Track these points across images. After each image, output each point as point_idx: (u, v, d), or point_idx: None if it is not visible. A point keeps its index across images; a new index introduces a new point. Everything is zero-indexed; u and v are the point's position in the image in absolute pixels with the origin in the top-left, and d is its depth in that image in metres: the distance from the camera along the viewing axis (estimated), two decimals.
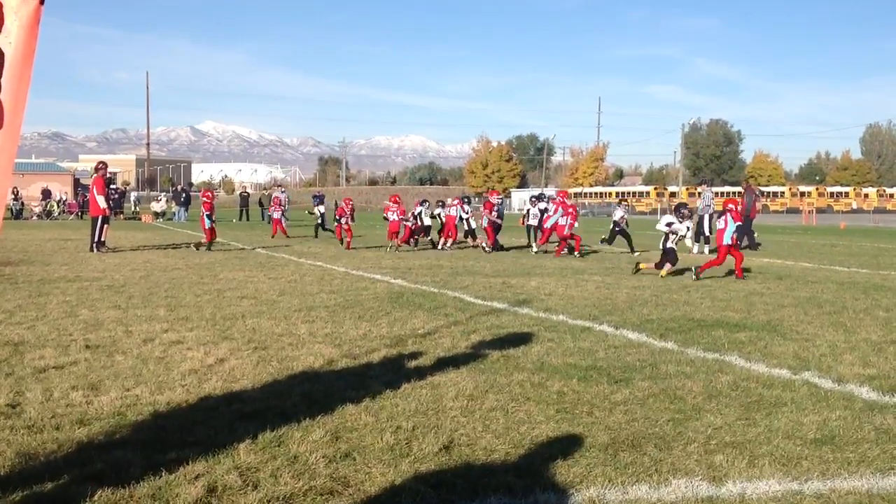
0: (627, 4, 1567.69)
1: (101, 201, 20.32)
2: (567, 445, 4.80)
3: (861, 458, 4.69)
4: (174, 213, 46.67)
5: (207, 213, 21.78)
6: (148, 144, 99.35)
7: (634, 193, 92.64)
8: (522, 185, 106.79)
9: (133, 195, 54.62)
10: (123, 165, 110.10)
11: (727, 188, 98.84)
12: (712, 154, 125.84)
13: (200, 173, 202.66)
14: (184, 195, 47.86)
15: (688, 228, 17.40)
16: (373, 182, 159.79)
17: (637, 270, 15.66)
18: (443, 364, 6.99)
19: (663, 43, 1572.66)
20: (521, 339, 8.24)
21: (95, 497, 3.89)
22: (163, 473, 4.17)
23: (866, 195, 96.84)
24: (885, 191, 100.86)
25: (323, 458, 4.50)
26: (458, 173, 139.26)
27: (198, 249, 20.90)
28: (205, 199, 22.61)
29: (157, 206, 49.52)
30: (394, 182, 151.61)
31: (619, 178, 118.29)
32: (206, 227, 21.49)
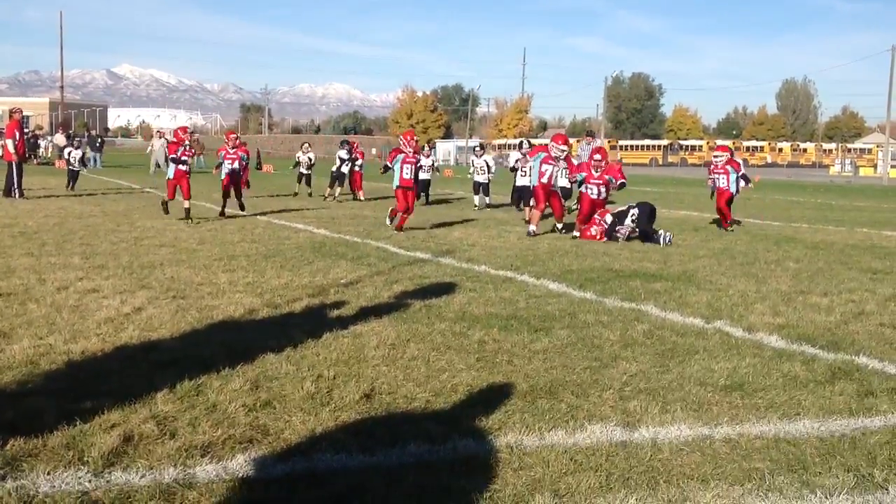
0: None
1: (10, 145, 19.61)
2: (486, 393, 4.87)
3: (769, 403, 4.86)
4: (89, 159, 45.30)
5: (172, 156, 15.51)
6: (62, 87, 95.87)
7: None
8: (447, 136, 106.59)
9: (47, 141, 52.63)
10: (36, 109, 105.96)
11: (647, 141, 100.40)
12: (634, 107, 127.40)
13: (117, 118, 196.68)
14: (98, 140, 46.52)
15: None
16: (296, 130, 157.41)
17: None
18: (365, 313, 6.99)
19: None
20: (443, 289, 8.28)
21: (7, 447, 3.80)
22: (77, 423, 4.10)
23: (780, 150, 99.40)
24: (798, 146, 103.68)
25: (242, 406, 4.48)
26: (383, 123, 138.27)
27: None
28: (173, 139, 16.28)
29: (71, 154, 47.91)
30: (318, 131, 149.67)
31: (542, 129, 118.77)
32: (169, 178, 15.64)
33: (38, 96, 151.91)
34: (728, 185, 15.84)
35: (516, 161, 18.73)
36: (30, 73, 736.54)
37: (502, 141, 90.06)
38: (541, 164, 14.42)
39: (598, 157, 14.25)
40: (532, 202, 15.54)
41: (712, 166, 16.40)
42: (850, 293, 8.69)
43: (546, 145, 14.85)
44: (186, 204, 14.95)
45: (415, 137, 15.02)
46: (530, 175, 14.99)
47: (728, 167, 16.00)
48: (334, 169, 23.55)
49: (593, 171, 14.01)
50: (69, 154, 23.90)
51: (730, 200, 15.93)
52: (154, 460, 3.75)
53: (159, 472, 3.61)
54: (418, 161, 14.90)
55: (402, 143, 14.68)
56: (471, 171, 21.58)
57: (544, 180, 14.38)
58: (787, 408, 4.78)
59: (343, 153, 23.66)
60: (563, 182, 20.29)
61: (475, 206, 21.04)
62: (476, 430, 4.23)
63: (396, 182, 14.31)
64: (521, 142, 21.25)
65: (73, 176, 23.46)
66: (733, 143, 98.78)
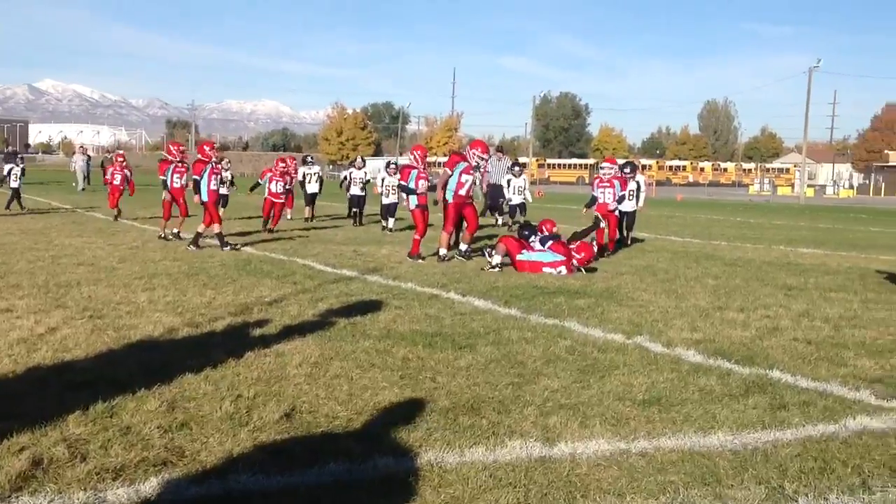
0: None
1: None
2: (409, 411, 4.86)
3: (685, 417, 4.95)
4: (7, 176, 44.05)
5: (196, 177, 14.16)
6: None
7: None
8: (377, 153, 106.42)
9: None
10: None
11: (574, 160, 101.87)
12: (561, 126, 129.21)
13: (38, 134, 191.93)
14: (18, 157, 45.29)
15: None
16: (224, 147, 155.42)
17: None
18: (288, 332, 6.92)
19: (514, 15, 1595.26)
20: (368, 307, 8.25)
21: None
22: None
23: (702, 169, 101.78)
24: (719, 165, 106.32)
25: (157, 428, 4.39)
26: (313, 140, 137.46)
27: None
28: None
29: None
30: (246, 147, 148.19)
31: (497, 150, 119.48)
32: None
33: None
34: (612, 200, 14.37)
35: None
36: None
37: (432, 158, 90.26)
38: (460, 175, 12.89)
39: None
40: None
41: (598, 179, 14.82)
42: (766, 309, 8.92)
43: (464, 154, 13.26)
44: (202, 228, 13.76)
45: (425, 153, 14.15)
46: (445, 189, 12.92)
47: (615, 181, 14.54)
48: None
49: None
50: (9, 171, 22.52)
51: (620, 223, 14.99)
52: (63, 484, 3.65)
53: (68, 497, 3.52)
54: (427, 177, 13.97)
55: (412, 159, 13.74)
56: (380, 190, 19.40)
57: (462, 192, 12.85)
58: (703, 421, 4.87)
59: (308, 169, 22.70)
60: (517, 199, 19.84)
61: (387, 229, 18.80)
62: (397, 448, 4.22)
63: (415, 202, 13.37)
64: (388, 162, 20.22)
65: (14, 194, 22.12)
66: (657, 163, 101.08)
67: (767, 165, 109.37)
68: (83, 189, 34.37)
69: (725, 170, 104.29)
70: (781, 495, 3.84)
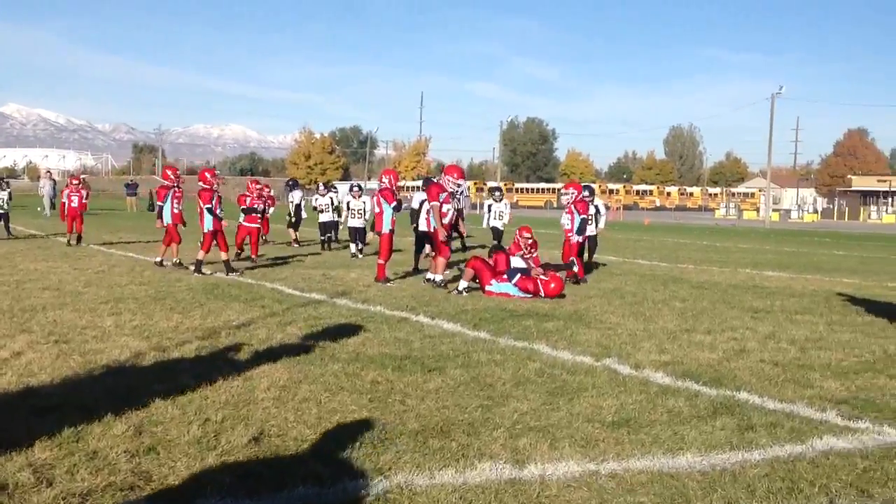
0: (446, 2, 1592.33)
1: None
2: (378, 434, 4.85)
3: (654, 439, 4.98)
4: None
5: (207, 206, 13.86)
6: None
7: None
8: (345, 177, 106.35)
9: None
10: None
11: (542, 184, 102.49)
12: (529, 151, 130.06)
13: (2, 158, 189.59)
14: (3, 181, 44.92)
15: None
16: (191, 171, 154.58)
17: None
18: (257, 356, 6.89)
19: (482, 41, 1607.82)
20: (338, 330, 8.23)
21: None
22: None
23: (669, 193, 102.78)
24: (685, 190, 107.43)
25: (125, 452, 4.34)
26: (281, 164, 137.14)
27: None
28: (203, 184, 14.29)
29: None
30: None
31: (440, 172, 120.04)
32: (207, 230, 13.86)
33: None
34: (572, 228, 13.95)
35: (421, 203, 15.35)
36: None
37: (401, 183, 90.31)
38: (441, 206, 12.70)
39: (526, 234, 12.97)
40: (429, 249, 14.35)
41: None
42: (733, 331, 9.01)
43: (440, 183, 12.97)
44: (224, 256, 13.68)
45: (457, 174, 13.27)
46: (434, 220, 12.68)
47: (573, 207, 14.04)
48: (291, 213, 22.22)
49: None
50: None
51: (581, 249, 14.35)
52: None
53: None
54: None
55: (446, 180, 12.97)
56: (342, 215, 19.27)
57: (446, 221, 12.70)
58: (671, 443, 4.90)
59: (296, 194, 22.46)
60: (497, 223, 18.93)
61: (352, 254, 18.38)
62: (366, 471, 4.20)
63: (388, 227, 13.05)
64: (352, 185, 19.66)
65: (2, 219, 21.90)
66: (624, 187, 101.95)
67: (733, 190, 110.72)
68: (48, 214, 33.98)
69: (692, 194, 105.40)
70: None
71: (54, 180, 41.89)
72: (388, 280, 12.67)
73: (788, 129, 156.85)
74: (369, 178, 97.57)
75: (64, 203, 19.55)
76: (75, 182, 20.24)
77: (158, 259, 14.51)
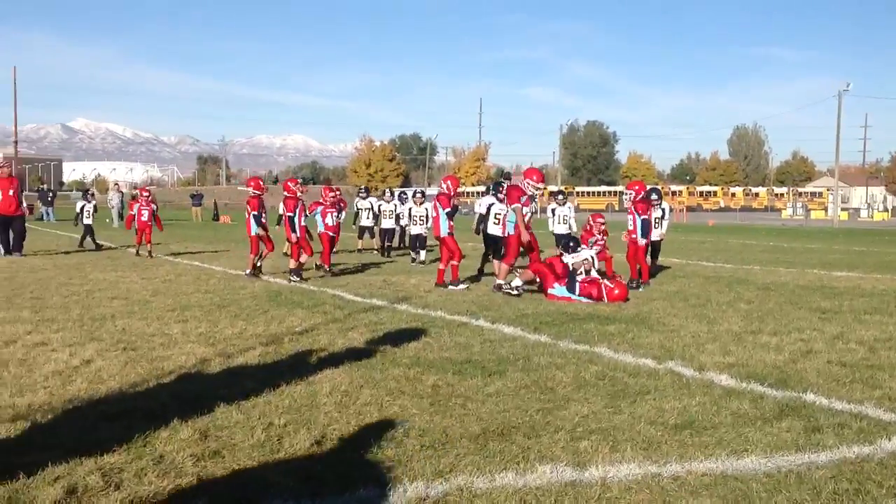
0: (500, 8, 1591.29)
1: None
2: (438, 437, 4.86)
3: (718, 441, 4.91)
4: (41, 214, 44.91)
5: (290, 213, 14.14)
6: (16, 142, 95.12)
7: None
8: (405, 184, 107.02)
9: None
10: None
11: (603, 188, 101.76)
12: (589, 154, 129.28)
13: (72, 172, 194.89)
14: (50, 194, 46.41)
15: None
16: None
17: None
18: (319, 361, 6.96)
19: (541, 46, 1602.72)
20: (398, 335, 8.28)
21: None
22: (20, 476, 4.02)
23: (733, 194, 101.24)
24: (750, 190, 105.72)
25: (191, 456, 4.43)
26: (342, 172, 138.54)
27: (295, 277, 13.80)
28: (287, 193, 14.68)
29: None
30: (276, 181, 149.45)
31: (500, 176, 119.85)
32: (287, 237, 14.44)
33: None
34: (634, 229, 13.60)
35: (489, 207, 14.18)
36: None
37: (461, 189, 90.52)
38: (522, 208, 12.55)
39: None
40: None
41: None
42: (800, 332, 8.83)
43: (518, 185, 12.91)
44: (304, 258, 14.08)
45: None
46: (504, 223, 12.81)
47: (633, 208, 13.76)
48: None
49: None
50: (82, 208, 22.46)
51: (646, 250, 13.98)
52: None
53: None
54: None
55: (525, 183, 12.83)
56: (405, 222, 19.19)
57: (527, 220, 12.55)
58: (735, 445, 4.83)
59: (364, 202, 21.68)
60: (562, 228, 17.23)
61: (419, 261, 18.15)
62: (427, 474, 4.22)
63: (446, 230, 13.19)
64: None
65: (88, 230, 22.21)
66: (687, 189, 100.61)
67: (800, 189, 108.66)
68: (117, 226, 34.87)
69: (757, 195, 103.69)
70: None
71: (122, 192, 43.01)
72: (460, 281, 12.67)
73: (856, 126, 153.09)
74: (429, 185, 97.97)
75: (133, 215, 19.84)
76: (145, 195, 20.44)
77: (293, 268, 14.04)
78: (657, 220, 14.71)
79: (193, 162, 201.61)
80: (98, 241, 22.22)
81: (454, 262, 12.85)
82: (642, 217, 13.62)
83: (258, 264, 14.48)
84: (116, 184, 46.71)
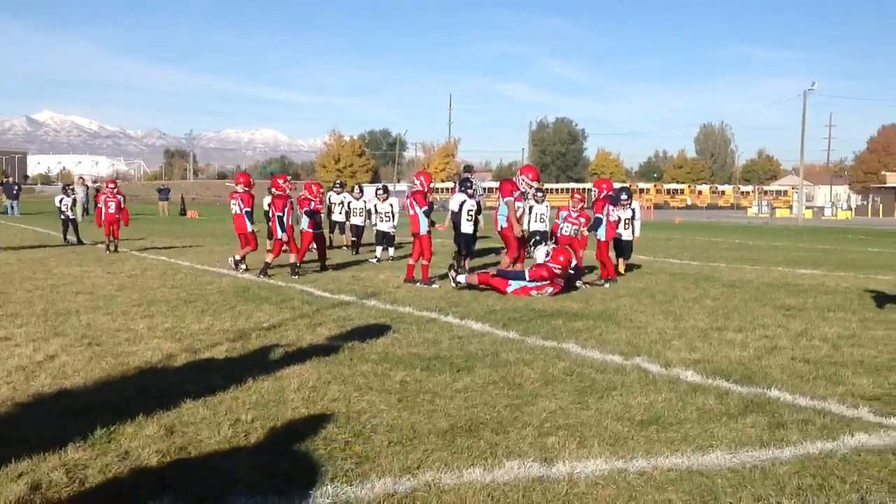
0: (474, 3, 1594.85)
1: None
2: (406, 433, 4.86)
3: (683, 436, 4.95)
4: (6, 207, 44.28)
5: (279, 213, 13.81)
6: None
7: (486, 189, 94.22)
8: (375, 179, 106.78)
9: None
10: None
11: (571, 185, 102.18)
12: (558, 151, 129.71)
13: (37, 165, 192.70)
14: (15, 188, 45.73)
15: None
16: (222, 176, 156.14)
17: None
18: (287, 357, 6.93)
19: (512, 42, 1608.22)
20: (367, 331, 8.26)
21: None
22: None
23: (700, 192, 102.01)
24: (717, 188, 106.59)
25: (156, 452, 4.39)
26: (311, 168, 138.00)
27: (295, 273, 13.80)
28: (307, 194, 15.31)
29: None
30: None
31: (466, 171, 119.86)
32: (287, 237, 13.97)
33: None
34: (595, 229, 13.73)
35: (460, 205, 14.18)
36: None
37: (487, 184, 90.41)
38: (513, 204, 12.66)
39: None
40: (464, 251, 14.05)
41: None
42: (765, 329, 8.93)
43: (513, 180, 12.95)
44: (293, 258, 13.93)
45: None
46: (498, 217, 12.78)
47: (593, 206, 13.85)
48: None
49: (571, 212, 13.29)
50: (60, 202, 21.79)
51: (607, 247, 13.78)
52: None
53: None
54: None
55: (520, 180, 12.94)
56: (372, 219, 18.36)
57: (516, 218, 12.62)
58: (701, 440, 4.87)
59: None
60: (539, 226, 16.79)
61: (376, 258, 17.64)
62: (395, 470, 4.22)
63: (425, 227, 12.96)
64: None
65: (70, 224, 21.61)
66: (655, 186, 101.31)
67: (765, 188, 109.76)
68: (81, 220, 34.43)
69: (723, 192, 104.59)
70: None
71: (87, 186, 42.47)
72: (432, 281, 12.65)
73: (821, 125, 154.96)
74: (398, 181, 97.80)
75: (100, 208, 19.39)
76: (111, 186, 19.96)
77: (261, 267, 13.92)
78: (627, 221, 15.00)
79: (160, 156, 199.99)
80: (81, 237, 21.53)
81: (424, 262, 12.80)
82: (596, 215, 13.72)
83: (239, 258, 14.43)
84: (81, 177, 46.15)
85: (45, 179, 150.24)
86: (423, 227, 12.92)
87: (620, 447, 4.71)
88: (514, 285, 11.67)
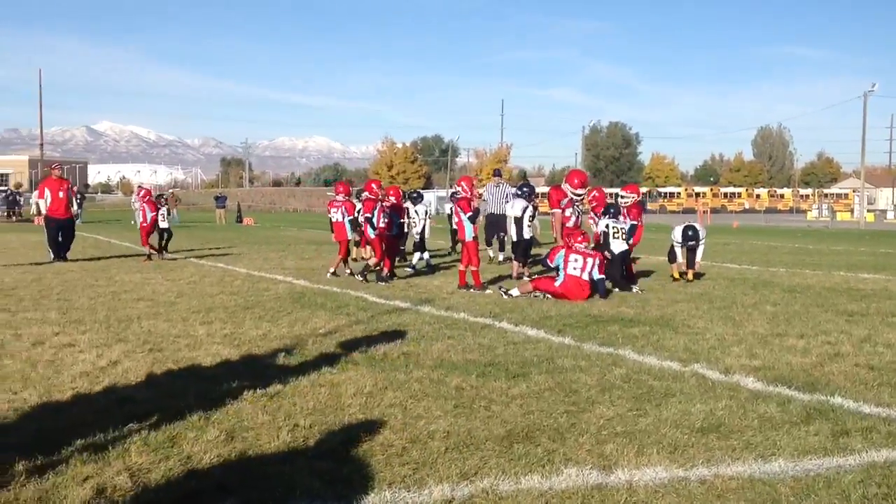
0: (521, 8, 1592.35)
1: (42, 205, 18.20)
2: (463, 439, 4.86)
3: (745, 444, 4.88)
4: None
5: (368, 214, 14.07)
6: (41, 144, 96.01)
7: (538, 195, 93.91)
8: (427, 185, 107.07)
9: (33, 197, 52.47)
10: (16, 167, 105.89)
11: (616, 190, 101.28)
12: (612, 156, 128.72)
13: (97, 174, 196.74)
14: (79, 196, 46.83)
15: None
16: (276, 183, 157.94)
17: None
18: (343, 363, 6.98)
19: (559, 47, 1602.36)
20: (421, 337, 8.28)
21: None
22: (50, 476, 4.07)
23: (758, 195, 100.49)
24: (775, 191, 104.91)
25: (217, 457, 4.46)
26: (364, 174, 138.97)
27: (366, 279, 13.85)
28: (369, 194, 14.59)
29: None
30: (298, 183, 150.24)
31: (522, 178, 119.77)
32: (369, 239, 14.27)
33: (18, 154, 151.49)
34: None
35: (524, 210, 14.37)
36: (9, 132, 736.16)
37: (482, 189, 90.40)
38: (563, 211, 12.72)
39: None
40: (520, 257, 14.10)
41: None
42: (826, 335, 8.75)
43: (559, 187, 12.96)
44: (373, 262, 14.14)
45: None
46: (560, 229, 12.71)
47: (626, 213, 13.65)
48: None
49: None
50: (157, 211, 20.49)
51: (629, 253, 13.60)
52: None
53: None
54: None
55: (567, 188, 13.03)
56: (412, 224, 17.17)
57: (569, 225, 12.62)
58: (763, 448, 4.79)
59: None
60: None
61: (412, 265, 16.68)
62: (452, 476, 4.22)
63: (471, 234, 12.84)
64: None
65: (167, 235, 20.41)
66: (711, 190, 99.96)
67: (825, 191, 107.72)
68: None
69: (782, 196, 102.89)
70: None
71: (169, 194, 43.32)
72: (484, 286, 12.66)
73: (882, 127, 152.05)
74: (451, 187, 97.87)
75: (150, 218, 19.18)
76: (141, 194, 19.96)
77: (332, 271, 14.71)
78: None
79: (217, 164, 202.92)
80: (166, 250, 20.47)
81: (473, 269, 12.79)
82: (633, 222, 13.75)
83: (341, 265, 14.81)
84: (140, 186, 47.08)
85: (106, 188, 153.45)
86: (469, 233, 12.91)
87: (680, 455, 4.65)
88: (559, 281, 11.74)
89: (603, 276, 11.94)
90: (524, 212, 13.88)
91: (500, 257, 18.58)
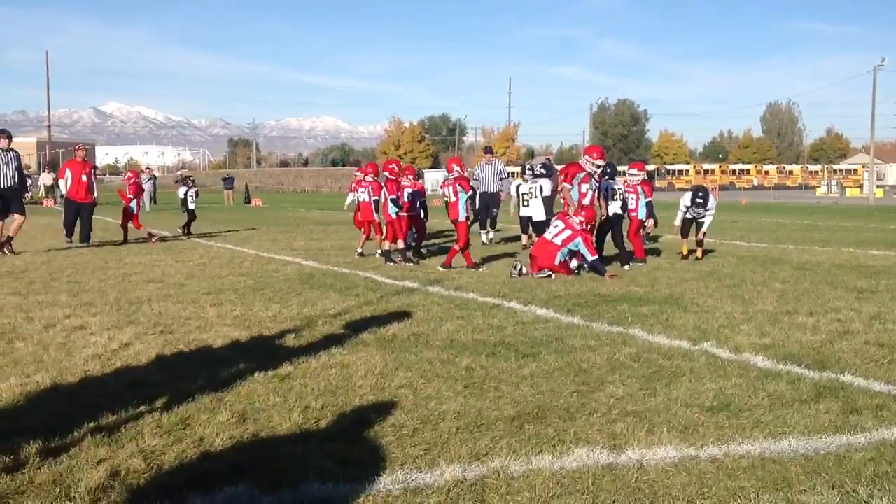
0: None
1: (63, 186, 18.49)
2: (474, 419, 4.88)
3: (755, 423, 4.89)
4: None
5: (392, 196, 14.16)
6: (49, 126, 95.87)
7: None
8: (435, 165, 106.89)
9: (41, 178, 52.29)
10: (24, 149, 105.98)
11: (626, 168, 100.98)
12: (620, 133, 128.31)
13: (105, 156, 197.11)
14: (189, 179, 47.03)
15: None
16: (284, 164, 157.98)
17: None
18: (353, 344, 7.00)
19: (568, 24, 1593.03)
20: (431, 318, 8.30)
21: None
22: (64, 459, 4.10)
23: (767, 172, 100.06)
24: (784, 168, 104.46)
25: (230, 439, 4.48)
26: (371, 154, 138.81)
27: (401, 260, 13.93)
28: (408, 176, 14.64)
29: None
30: (306, 163, 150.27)
31: (530, 157, 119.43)
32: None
33: (25, 136, 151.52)
34: (636, 208, 14.04)
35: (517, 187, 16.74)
36: (16, 114, 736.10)
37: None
38: (579, 186, 12.57)
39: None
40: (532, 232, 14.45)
41: (624, 185, 14.17)
42: (836, 312, 8.74)
43: (578, 163, 12.92)
44: (387, 245, 14.27)
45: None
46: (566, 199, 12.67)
47: (640, 188, 14.10)
48: None
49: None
50: (185, 193, 21.92)
51: (639, 229, 14.18)
52: (141, 494, 3.75)
53: None
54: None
55: (585, 160, 12.80)
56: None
57: (586, 202, 12.52)
58: (773, 427, 4.80)
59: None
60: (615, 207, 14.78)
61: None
62: (464, 456, 4.24)
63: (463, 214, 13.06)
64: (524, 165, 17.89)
65: (191, 216, 21.58)
66: (720, 167, 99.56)
67: (834, 167, 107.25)
68: (149, 209, 35.19)
69: (791, 172, 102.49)
70: (855, 499, 3.77)
71: (155, 176, 43.34)
72: (477, 265, 12.72)
73: (892, 102, 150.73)
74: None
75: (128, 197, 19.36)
76: (127, 175, 20.06)
77: (385, 249, 14.38)
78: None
79: (224, 145, 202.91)
80: (191, 230, 21.40)
81: (459, 247, 12.83)
82: (648, 199, 14.16)
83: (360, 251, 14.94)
84: (149, 168, 47.06)
85: (113, 170, 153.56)
86: (462, 213, 13.03)
87: (690, 434, 4.66)
88: (560, 256, 11.99)
89: (596, 257, 12.12)
90: (553, 192, 14.08)
91: (491, 234, 18.68)
